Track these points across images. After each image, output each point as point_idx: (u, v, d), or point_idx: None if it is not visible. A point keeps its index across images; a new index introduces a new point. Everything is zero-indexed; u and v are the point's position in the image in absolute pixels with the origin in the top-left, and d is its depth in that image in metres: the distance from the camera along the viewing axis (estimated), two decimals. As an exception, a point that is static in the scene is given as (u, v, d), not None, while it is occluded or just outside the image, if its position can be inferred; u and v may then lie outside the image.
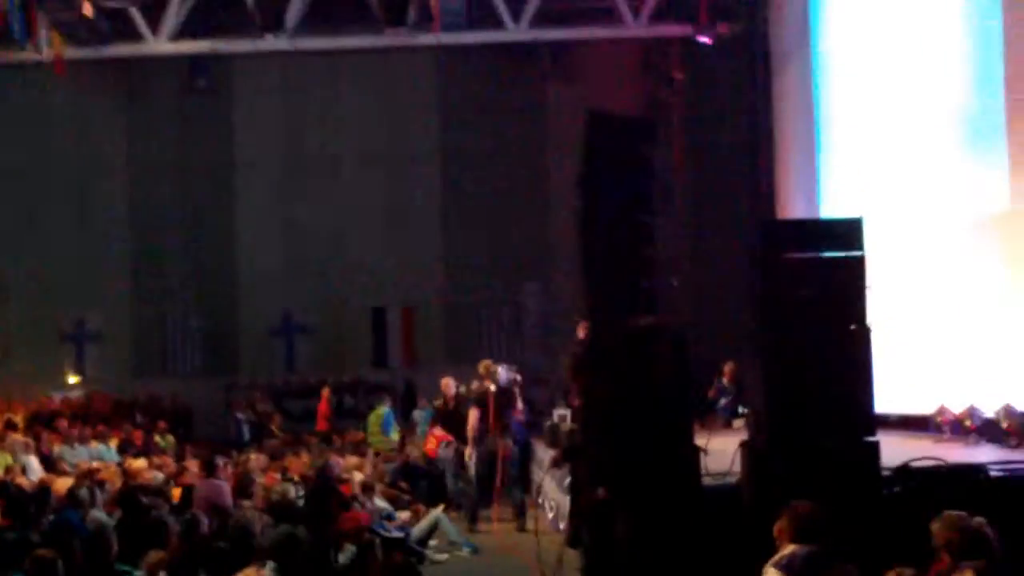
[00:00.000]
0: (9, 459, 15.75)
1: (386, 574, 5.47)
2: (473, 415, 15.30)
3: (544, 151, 25.98)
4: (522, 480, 15.60)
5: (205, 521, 9.65)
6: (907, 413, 14.18)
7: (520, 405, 16.09)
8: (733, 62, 23.82)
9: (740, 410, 16.81)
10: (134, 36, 22.72)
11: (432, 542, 13.53)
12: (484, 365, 15.82)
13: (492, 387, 15.33)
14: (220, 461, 13.35)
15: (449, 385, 17.07)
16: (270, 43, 23.06)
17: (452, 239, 26.61)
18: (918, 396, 14.20)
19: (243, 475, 13.93)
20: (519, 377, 16.11)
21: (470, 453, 15.50)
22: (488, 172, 26.47)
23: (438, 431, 17.21)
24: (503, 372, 15.59)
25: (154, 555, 8.24)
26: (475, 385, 16.21)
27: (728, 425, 16.49)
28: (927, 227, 14.87)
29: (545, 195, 25.45)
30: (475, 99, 26.48)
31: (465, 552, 13.64)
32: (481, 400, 15.39)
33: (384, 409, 21.26)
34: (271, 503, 11.82)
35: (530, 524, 13.67)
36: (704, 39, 22.73)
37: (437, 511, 14.13)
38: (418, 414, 21.94)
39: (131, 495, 11.58)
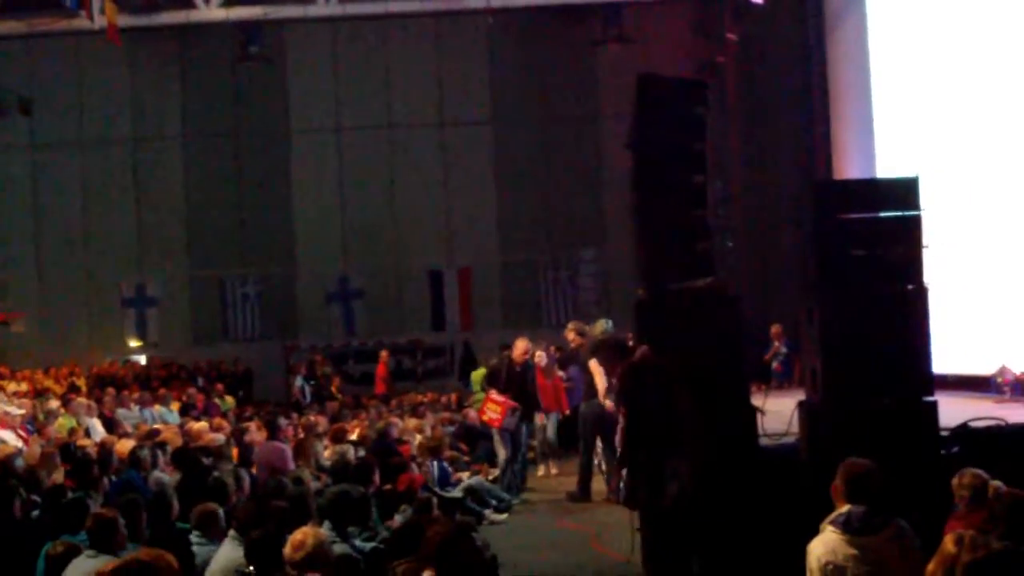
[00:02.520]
0: (73, 422, 15.99)
1: (441, 534, 5.59)
2: (598, 372, 13.57)
3: (597, 114, 25.95)
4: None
5: (247, 478, 9.71)
6: (968, 374, 14.10)
7: None
8: (786, 22, 23.62)
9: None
10: (186, 3, 22.84)
11: (492, 502, 13.55)
12: (576, 324, 15.16)
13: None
14: (283, 422, 13.46)
15: (526, 349, 15.08)
16: (321, 8, 23.13)
17: (506, 202, 26.67)
18: (979, 357, 14.11)
19: (302, 438, 14.01)
20: None
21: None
22: (541, 135, 26.50)
23: (496, 395, 14.74)
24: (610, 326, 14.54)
25: (201, 508, 8.32)
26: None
27: (781, 387, 16.40)
28: (986, 185, 14.74)
29: (598, 158, 25.45)
30: (527, 62, 26.48)
31: (516, 502, 13.65)
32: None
33: None
34: (331, 464, 11.96)
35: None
36: (756, -1, 22.51)
37: (473, 479, 13.96)
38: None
39: (190, 455, 11.71)
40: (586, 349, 14.16)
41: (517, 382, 14.83)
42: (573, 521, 12.57)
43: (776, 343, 18.34)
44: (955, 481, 7.23)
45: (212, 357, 25.79)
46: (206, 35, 25.33)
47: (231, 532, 7.72)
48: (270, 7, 23.39)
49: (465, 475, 14.24)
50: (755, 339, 17.28)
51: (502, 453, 14.69)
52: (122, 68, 26.45)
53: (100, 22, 21.63)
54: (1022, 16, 14.08)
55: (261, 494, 9.71)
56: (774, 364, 18.12)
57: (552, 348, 16.78)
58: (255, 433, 13.77)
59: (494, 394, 14.82)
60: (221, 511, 8.27)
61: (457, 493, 13.17)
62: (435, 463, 13.48)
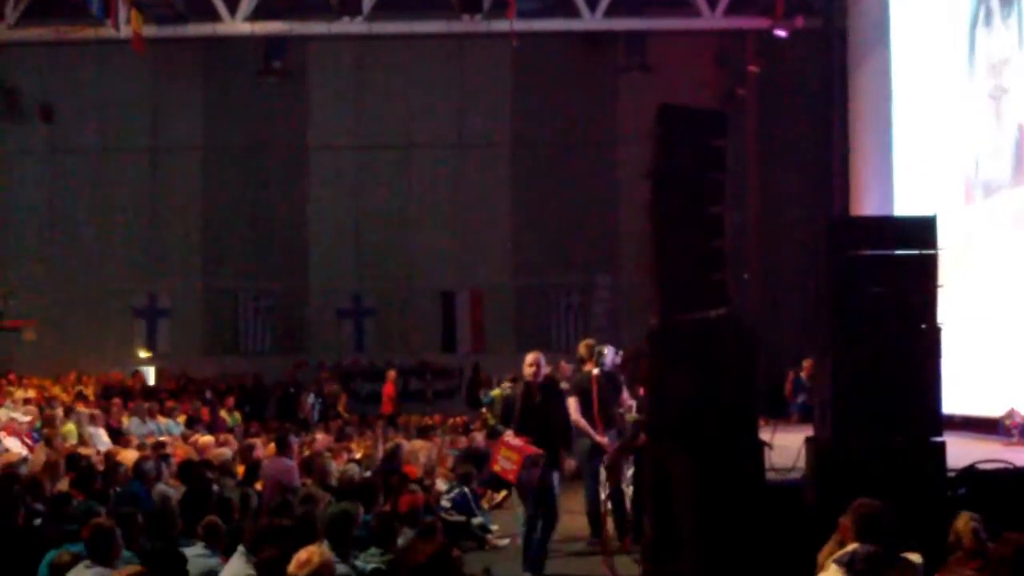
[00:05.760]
0: (75, 430, 15.89)
1: (424, 558, 5.61)
2: (572, 405, 11.96)
3: (615, 141, 25.92)
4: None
5: (254, 496, 9.65)
6: (975, 415, 14.03)
7: (626, 395, 12.87)
8: (809, 56, 23.68)
9: None
10: (212, 16, 22.92)
11: (494, 527, 13.47)
12: (586, 344, 12.80)
13: (596, 371, 12.25)
14: (292, 440, 13.39)
15: (540, 367, 11.21)
16: (346, 26, 23.17)
17: (522, 226, 26.60)
18: (987, 398, 14.04)
19: (310, 455, 13.95)
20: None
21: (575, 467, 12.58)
22: (559, 160, 26.45)
23: (511, 439, 10.92)
24: (609, 354, 12.48)
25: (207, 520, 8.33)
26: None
27: (804, 422, 16.25)
28: (1003, 227, 14.68)
29: (615, 185, 25.41)
30: (548, 87, 26.44)
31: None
32: (583, 387, 12.29)
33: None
34: (337, 482, 11.91)
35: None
36: (780, 32, 22.52)
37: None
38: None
39: (194, 469, 11.69)
40: (573, 382, 12.75)
41: (536, 414, 11.07)
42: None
43: (804, 376, 18.30)
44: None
45: (221, 370, 25.77)
46: (230, 48, 25.38)
47: (240, 548, 7.67)
48: (295, 23, 23.47)
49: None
50: (766, 373, 17.26)
51: (521, 510, 11.39)
52: (144, 77, 26.47)
53: (125, 32, 21.68)
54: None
55: (267, 510, 9.69)
56: (800, 397, 18.09)
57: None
58: (262, 449, 13.75)
59: (509, 437, 11.03)
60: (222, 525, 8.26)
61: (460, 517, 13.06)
62: (461, 490, 13.46)
